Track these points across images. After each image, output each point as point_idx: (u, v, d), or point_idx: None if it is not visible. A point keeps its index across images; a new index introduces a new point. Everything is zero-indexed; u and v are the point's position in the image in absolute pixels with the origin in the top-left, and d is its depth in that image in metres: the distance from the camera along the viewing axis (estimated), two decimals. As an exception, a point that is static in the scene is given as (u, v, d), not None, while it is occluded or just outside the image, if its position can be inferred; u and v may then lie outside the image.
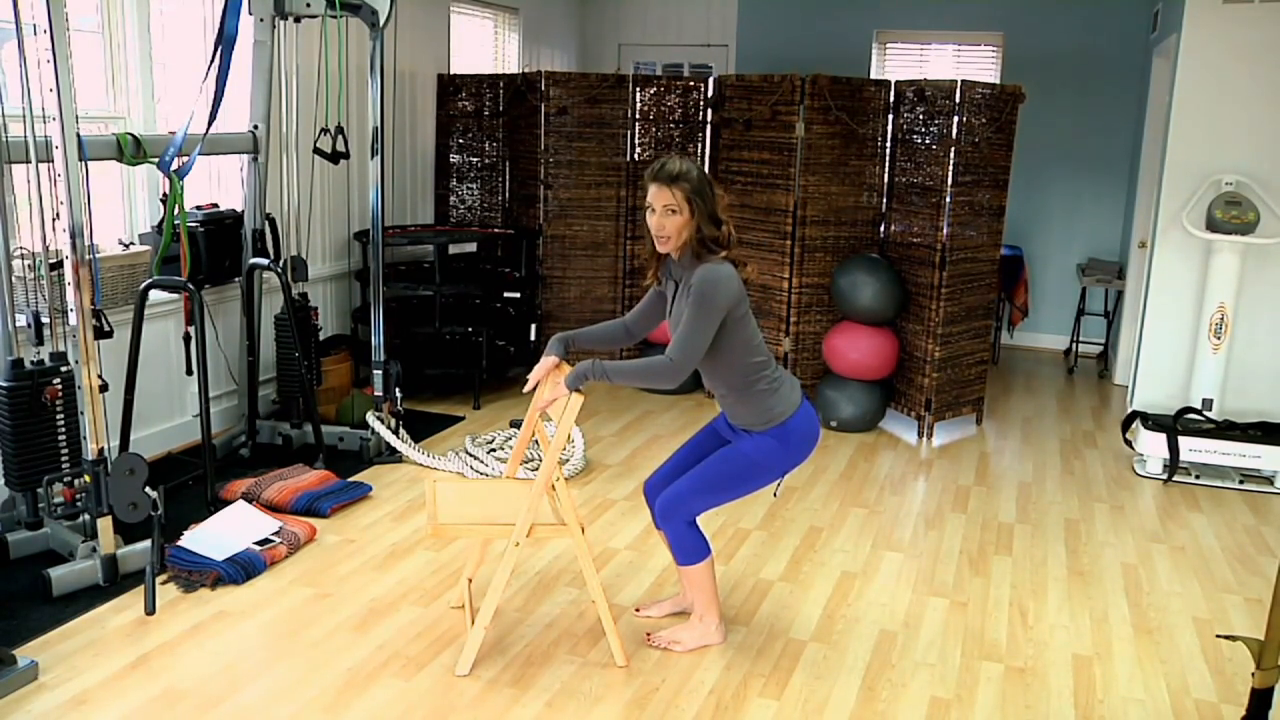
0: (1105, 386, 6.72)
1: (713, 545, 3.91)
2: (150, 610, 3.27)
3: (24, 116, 3.25)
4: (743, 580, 3.72)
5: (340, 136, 4.70)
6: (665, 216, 2.91)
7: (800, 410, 3.04)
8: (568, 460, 4.73)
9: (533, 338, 6.03)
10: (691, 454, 3.23)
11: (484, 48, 7.19)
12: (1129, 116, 7.20)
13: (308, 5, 4.46)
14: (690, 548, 3.10)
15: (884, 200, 5.72)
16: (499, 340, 5.87)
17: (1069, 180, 7.46)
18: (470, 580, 3.40)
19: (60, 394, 3.45)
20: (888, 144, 5.64)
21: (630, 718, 2.85)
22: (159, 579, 3.44)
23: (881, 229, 5.75)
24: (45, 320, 3.51)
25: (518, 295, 5.98)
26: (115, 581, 3.45)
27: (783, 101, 5.47)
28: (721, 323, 2.90)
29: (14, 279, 3.49)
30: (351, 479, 4.41)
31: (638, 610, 3.44)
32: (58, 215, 3.27)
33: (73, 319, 3.29)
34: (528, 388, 3.11)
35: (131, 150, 3.82)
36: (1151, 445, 4.93)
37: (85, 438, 3.36)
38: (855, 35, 7.68)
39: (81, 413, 3.36)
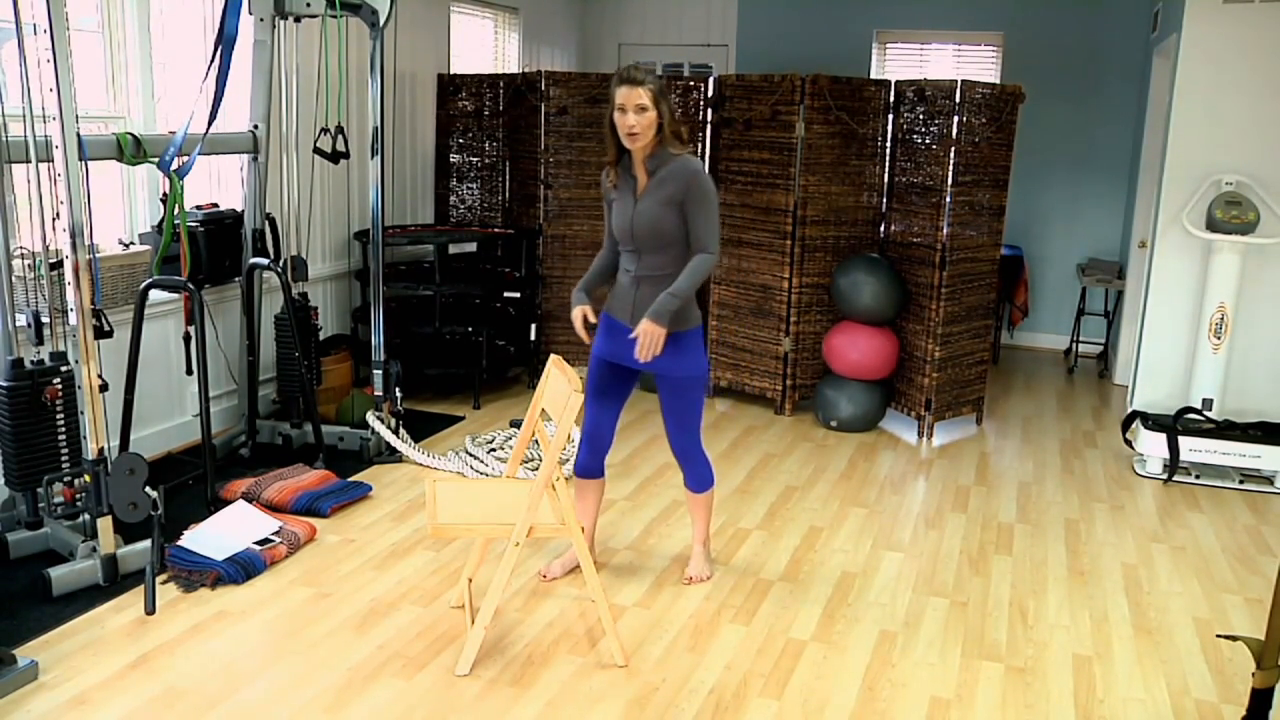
0: (1105, 386, 6.72)
1: (713, 545, 3.99)
2: (150, 610, 3.27)
3: (24, 116, 3.25)
4: (743, 579, 3.72)
5: (340, 136, 4.71)
6: (637, 114, 3.22)
7: (702, 323, 3.54)
8: (568, 460, 4.73)
9: (533, 337, 6.03)
10: (613, 406, 3.56)
11: (484, 48, 7.19)
12: (1129, 116, 7.21)
13: (308, 5, 4.46)
14: (706, 477, 3.60)
15: (884, 200, 5.73)
16: (499, 340, 5.87)
17: (1069, 180, 7.46)
18: (471, 580, 3.40)
19: (60, 394, 3.45)
20: (888, 144, 5.65)
21: (630, 718, 2.85)
22: (159, 579, 3.45)
23: (881, 229, 5.75)
24: (45, 320, 3.51)
25: (518, 295, 5.98)
26: (115, 581, 3.45)
27: (783, 101, 5.47)
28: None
29: (14, 279, 3.49)
30: (351, 479, 4.41)
31: (544, 576, 3.64)
32: (58, 215, 3.27)
33: (73, 319, 3.29)
34: (587, 338, 3.47)
35: (131, 150, 3.82)
36: (1151, 445, 4.93)
37: (85, 437, 3.36)
38: (855, 35, 7.68)
39: (81, 413, 3.36)
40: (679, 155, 3.27)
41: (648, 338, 3.24)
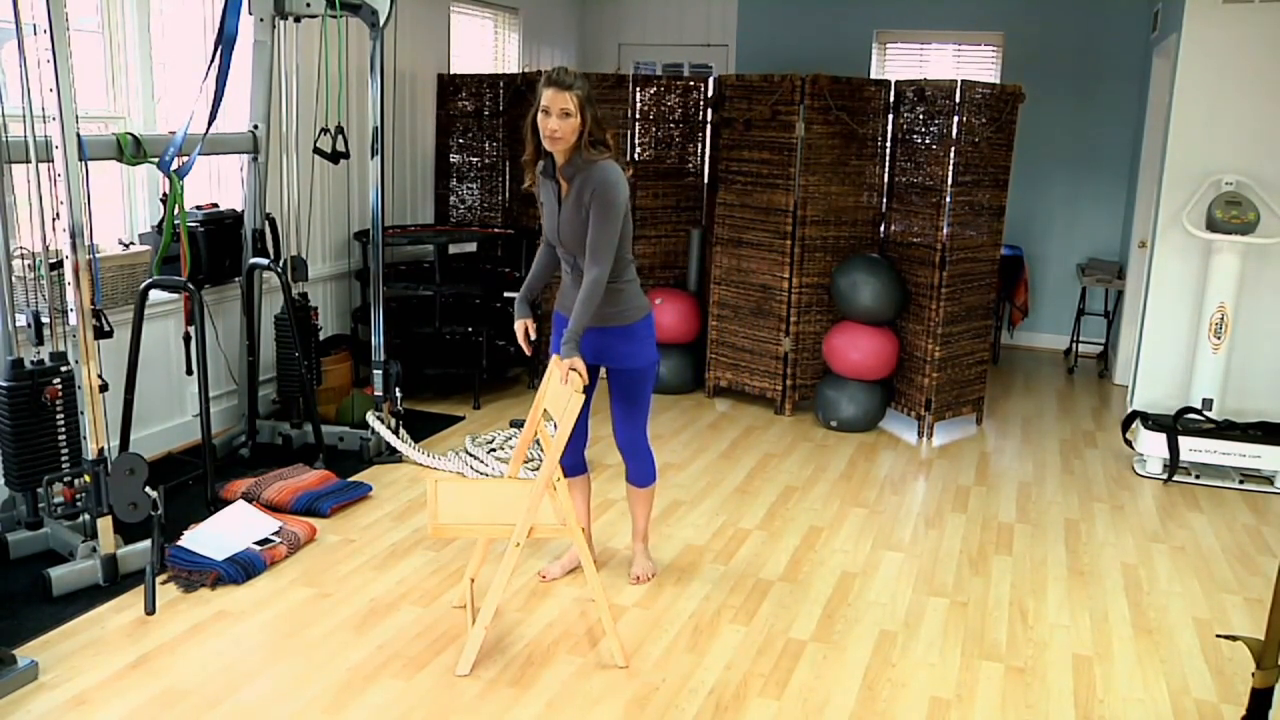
0: (1105, 386, 6.72)
1: (712, 545, 4.01)
2: (150, 610, 3.27)
3: (24, 116, 3.25)
4: (743, 580, 3.72)
5: (340, 136, 4.71)
6: (560, 119, 3.13)
7: (651, 310, 3.50)
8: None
9: (533, 337, 6.02)
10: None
11: (484, 48, 7.19)
12: (1129, 116, 7.21)
13: (308, 5, 4.46)
14: (649, 472, 3.60)
15: (884, 200, 5.73)
16: (499, 340, 5.87)
17: (1069, 180, 7.46)
18: (473, 580, 3.40)
19: (60, 394, 3.45)
20: (888, 144, 5.65)
21: (630, 718, 2.85)
22: (159, 579, 3.45)
23: (881, 229, 5.75)
24: (45, 320, 3.51)
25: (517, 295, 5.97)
26: (115, 581, 3.45)
27: (783, 101, 5.47)
28: None
29: (14, 279, 3.49)
30: (351, 479, 4.41)
31: (544, 577, 3.64)
32: (58, 215, 3.27)
33: (73, 319, 3.29)
34: (528, 350, 3.53)
35: (131, 150, 3.82)
36: (1151, 445, 4.93)
37: (85, 438, 3.36)
38: (855, 35, 7.68)
39: (81, 413, 3.36)
40: (595, 162, 3.19)
41: (567, 375, 3.13)
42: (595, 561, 3.73)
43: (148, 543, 3.48)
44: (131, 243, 4.52)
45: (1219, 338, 5.03)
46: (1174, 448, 4.86)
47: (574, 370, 3.12)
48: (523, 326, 3.51)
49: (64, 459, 3.51)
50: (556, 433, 3.01)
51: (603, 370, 3.53)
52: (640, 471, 3.59)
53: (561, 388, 3.09)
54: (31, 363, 3.43)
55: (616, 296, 3.34)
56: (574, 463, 3.62)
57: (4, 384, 3.38)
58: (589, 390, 3.58)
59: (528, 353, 3.53)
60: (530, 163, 3.33)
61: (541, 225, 3.47)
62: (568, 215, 3.27)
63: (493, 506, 3.11)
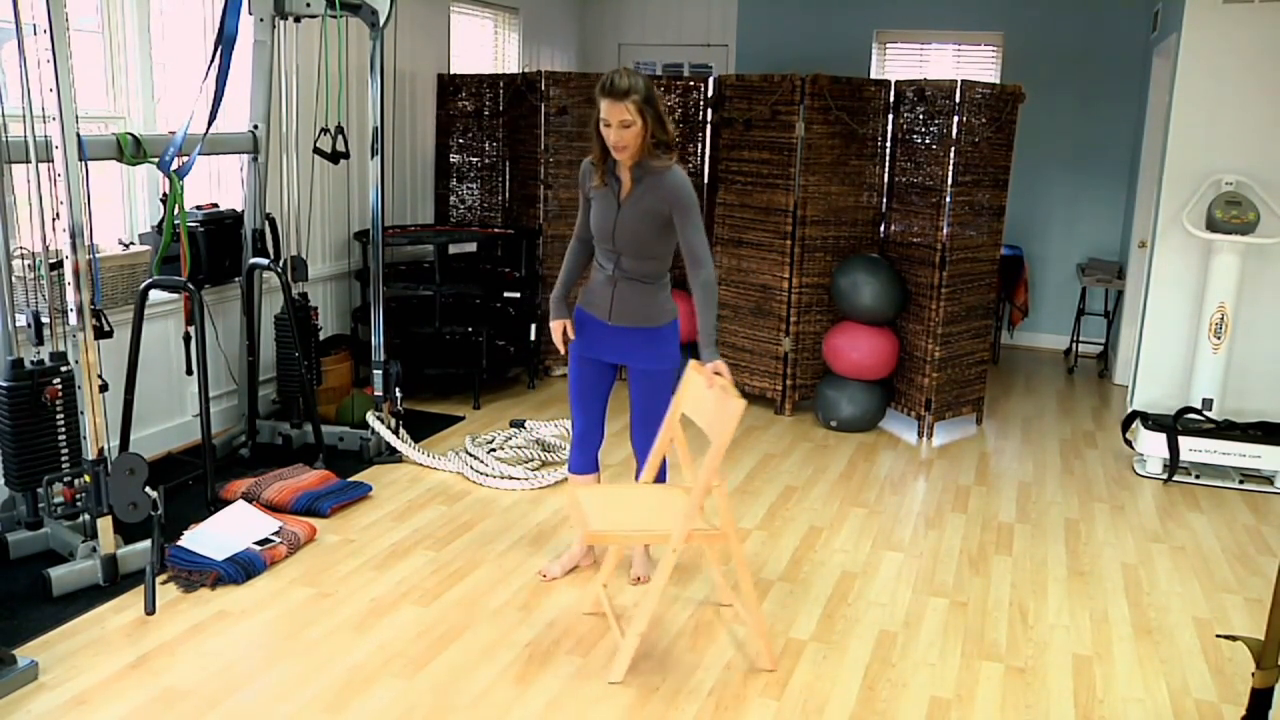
0: (1105, 386, 6.72)
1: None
2: (150, 610, 3.27)
3: (24, 116, 3.25)
4: (743, 580, 3.72)
5: (340, 136, 4.71)
6: (622, 130, 3.12)
7: (678, 315, 3.51)
8: (553, 450, 4.72)
9: (532, 337, 6.03)
10: (599, 402, 3.57)
11: (484, 48, 7.19)
12: (1129, 116, 7.21)
13: (308, 5, 4.46)
14: (662, 474, 3.51)
15: (884, 200, 5.73)
16: (499, 340, 5.87)
17: (1069, 180, 7.46)
18: (605, 585, 3.40)
19: (60, 394, 3.45)
20: (888, 144, 5.65)
21: (630, 718, 2.85)
22: (159, 579, 3.45)
23: (881, 229, 5.75)
24: (45, 320, 3.51)
25: (518, 295, 5.98)
26: (115, 581, 3.45)
27: (783, 101, 5.47)
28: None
29: (14, 279, 3.49)
30: (351, 479, 4.41)
31: (544, 576, 3.63)
32: (58, 215, 3.27)
33: (73, 319, 3.29)
34: (564, 351, 3.54)
35: (131, 150, 3.82)
36: (1151, 445, 4.93)
37: (85, 438, 3.36)
38: (855, 35, 7.68)
39: (81, 413, 3.36)
40: (664, 167, 3.21)
41: (713, 380, 3.10)
42: (597, 561, 3.74)
43: (148, 543, 3.48)
44: (131, 243, 4.52)
45: (1219, 338, 5.03)
46: (1174, 448, 4.86)
47: (719, 375, 3.09)
48: (560, 327, 3.50)
49: (64, 459, 3.51)
50: (715, 442, 2.96)
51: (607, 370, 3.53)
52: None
53: (709, 393, 3.07)
54: (31, 363, 3.44)
55: (652, 297, 3.37)
56: (585, 462, 3.62)
57: (4, 384, 3.38)
58: (607, 389, 3.58)
59: (563, 352, 3.53)
60: (599, 162, 3.31)
61: (588, 223, 3.42)
62: (627, 214, 3.27)
63: (639, 513, 3.11)
